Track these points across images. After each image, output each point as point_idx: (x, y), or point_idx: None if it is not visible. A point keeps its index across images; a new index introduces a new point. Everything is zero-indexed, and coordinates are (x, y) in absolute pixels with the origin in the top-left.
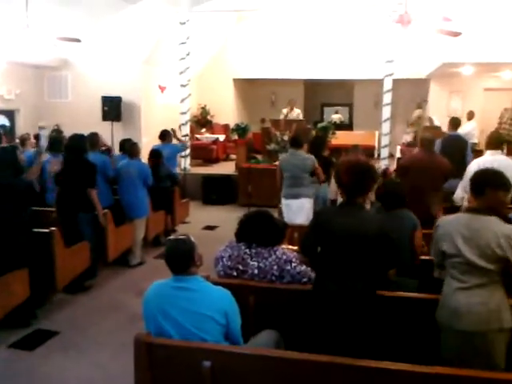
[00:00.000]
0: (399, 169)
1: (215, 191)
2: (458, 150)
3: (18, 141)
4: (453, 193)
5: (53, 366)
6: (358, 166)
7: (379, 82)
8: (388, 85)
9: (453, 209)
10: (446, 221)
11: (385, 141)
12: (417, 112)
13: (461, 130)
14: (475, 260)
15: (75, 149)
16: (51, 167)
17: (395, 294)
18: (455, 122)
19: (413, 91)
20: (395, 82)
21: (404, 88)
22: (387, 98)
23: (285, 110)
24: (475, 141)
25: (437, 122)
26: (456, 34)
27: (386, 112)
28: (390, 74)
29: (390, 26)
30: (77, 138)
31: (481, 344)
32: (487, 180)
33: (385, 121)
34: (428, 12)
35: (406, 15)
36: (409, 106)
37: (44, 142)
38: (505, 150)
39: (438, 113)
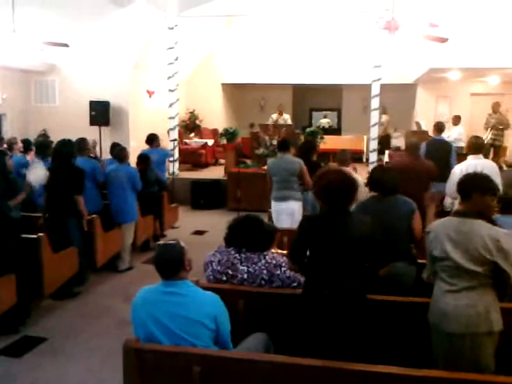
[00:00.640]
0: None
1: (204, 196)
2: (442, 153)
3: (5, 146)
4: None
5: (41, 373)
6: (340, 186)
7: (367, 87)
8: (376, 90)
9: (443, 213)
10: (435, 225)
11: (373, 145)
12: (383, 117)
13: (447, 135)
14: (464, 263)
15: (63, 154)
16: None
17: (388, 298)
18: (439, 127)
19: (400, 96)
20: (383, 86)
21: (391, 93)
22: (375, 102)
23: (274, 116)
24: (462, 145)
25: (424, 127)
26: (443, 40)
27: (374, 117)
28: (378, 79)
29: (378, 31)
30: (64, 144)
31: (469, 346)
32: (474, 185)
33: (373, 125)
34: (415, 18)
35: (393, 21)
36: (397, 110)
37: (38, 171)
38: (491, 155)
39: (426, 117)
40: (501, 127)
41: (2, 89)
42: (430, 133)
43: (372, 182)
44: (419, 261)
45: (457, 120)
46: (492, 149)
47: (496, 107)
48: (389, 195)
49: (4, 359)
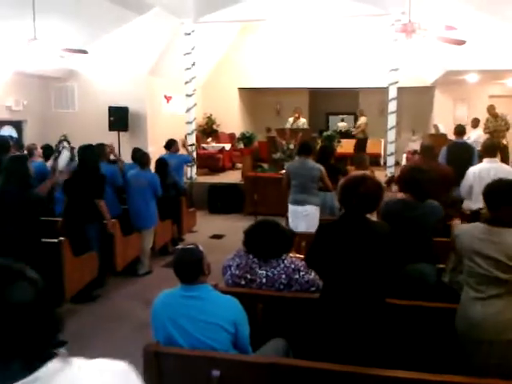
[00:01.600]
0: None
1: (221, 200)
2: (464, 156)
3: (25, 151)
4: (461, 201)
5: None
6: (370, 192)
7: (384, 90)
8: (393, 93)
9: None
10: (463, 230)
11: (390, 149)
12: (363, 119)
13: (467, 138)
14: (492, 271)
15: (84, 159)
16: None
17: (408, 303)
18: (460, 129)
19: (418, 99)
20: (400, 90)
21: (409, 96)
22: (392, 106)
23: (291, 119)
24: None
25: (442, 130)
26: (460, 43)
27: (392, 120)
28: (395, 82)
29: (394, 34)
30: (86, 149)
31: (498, 353)
32: (502, 198)
33: (390, 129)
34: (431, 21)
35: (410, 25)
36: (414, 113)
37: (64, 157)
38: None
39: (444, 120)
40: (503, 129)
41: (22, 95)
42: (449, 136)
43: (405, 181)
44: (439, 265)
45: (476, 123)
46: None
47: (491, 110)
48: (421, 198)
49: None
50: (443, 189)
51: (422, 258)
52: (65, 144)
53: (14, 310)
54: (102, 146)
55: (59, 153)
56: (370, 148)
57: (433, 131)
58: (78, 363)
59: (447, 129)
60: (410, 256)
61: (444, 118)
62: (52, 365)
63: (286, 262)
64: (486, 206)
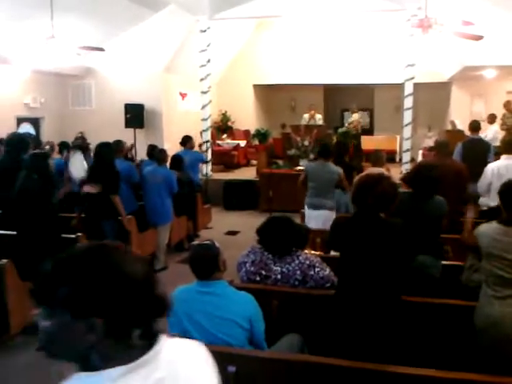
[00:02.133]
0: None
1: (236, 196)
2: (480, 152)
3: (48, 147)
4: (478, 196)
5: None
6: (386, 193)
7: (400, 86)
8: (409, 89)
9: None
10: (481, 231)
11: (406, 145)
12: (355, 116)
13: (484, 134)
14: (509, 271)
15: (102, 156)
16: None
17: (425, 300)
18: (475, 125)
19: (434, 95)
20: (416, 85)
21: (425, 92)
22: (408, 102)
23: (306, 116)
24: (498, 144)
25: (459, 126)
26: (477, 38)
27: (408, 116)
28: (411, 78)
29: (410, 30)
30: (103, 146)
31: None
32: None
33: (406, 125)
34: (448, 16)
35: (426, 20)
36: (430, 109)
37: (77, 163)
38: None
39: (460, 116)
40: None
41: (40, 93)
42: (466, 132)
43: (413, 178)
44: (456, 263)
45: (492, 119)
46: None
47: (508, 106)
48: (429, 193)
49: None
50: (457, 186)
51: (426, 251)
52: (77, 150)
53: (136, 284)
54: (119, 142)
55: (68, 150)
56: (385, 145)
57: (449, 127)
58: (170, 340)
59: (464, 125)
60: (415, 249)
61: (461, 114)
62: (161, 341)
63: (300, 258)
64: (502, 206)
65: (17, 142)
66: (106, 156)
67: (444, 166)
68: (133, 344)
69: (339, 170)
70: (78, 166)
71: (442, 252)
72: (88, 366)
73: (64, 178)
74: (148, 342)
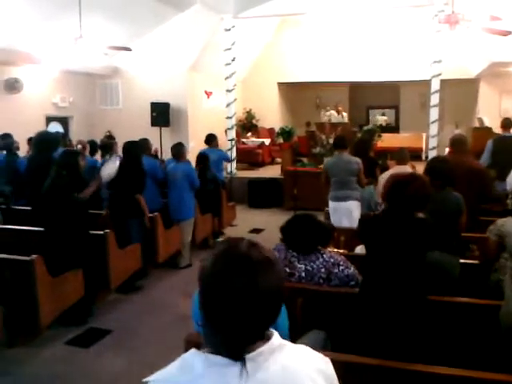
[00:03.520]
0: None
1: (261, 194)
2: (510, 151)
3: (79, 146)
4: (506, 196)
5: (105, 365)
6: (419, 193)
7: (426, 83)
8: (436, 85)
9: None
10: (507, 229)
11: (432, 143)
12: (332, 113)
13: None
14: None
15: (130, 154)
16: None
17: (451, 299)
18: (507, 123)
19: (461, 92)
20: (443, 82)
21: (452, 88)
22: (435, 99)
23: (333, 112)
24: None
25: (487, 123)
26: (506, 33)
27: (434, 113)
28: (438, 75)
29: (437, 26)
30: (131, 144)
31: None
32: None
33: (432, 122)
34: (476, 11)
35: (454, 15)
36: (457, 106)
37: (110, 167)
38: None
39: (488, 113)
40: None
41: (68, 92)
42: (494, 129)
43: (434, 171)
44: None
45: None
46: None
47: None
48: (446, 186)
49: (73, 349)
50: (474, 184)
51: (442, 248)
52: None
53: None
54: (145, 140)
55: (106, 150)
56: (411, 142)
57: (477, 124)
58: (287, 344)
59: (492, 122)
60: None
61: (489, 111)
62: (274, 341)
63: (325, 256)
64: None
65: (47, 140)
66: (134, 154)
67: (458, 164)
68: (245, 341)
69: (357, 159)
70: (110, 172)
71: (463, 250)
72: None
73: (95, 177)
74: (260, 341)
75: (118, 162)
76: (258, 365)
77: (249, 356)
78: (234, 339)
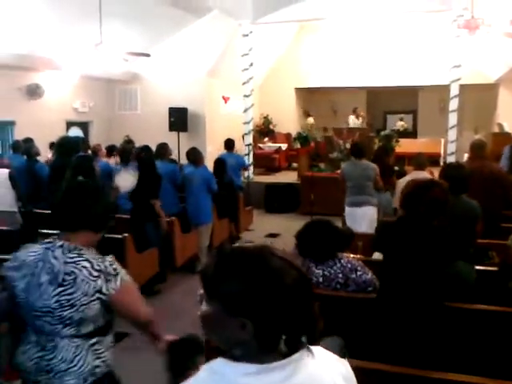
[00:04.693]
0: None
1: (278, 199)
2: None
3: (89, 151)
4: None
5: (122, 367)
6: (438, 200)
7: (444, 88)
8: (455, 90)
9: None
10: None
11: (451, 148)
12: (309, 120)
13: None
14: None
15: (143, 160)
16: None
17: (470, 307)
18: None
19: (480, 97)
20: (462, 87)
21: (471, 93)
22: (454, 103)
23: (353, 117)
24: None
25: (507, 129)
26: None
27: (453, 118)
28: (457, 80)
29: (456, 31)
30: (143, 150)
31: None
32: None
33: (451, 128)
34: (495, 16)
35: (473, 20)
36: (476, 111)
37: (126, 176)
38: None
39: (508, 119)
40: None
41: (88, 97)
42: None
43: (449, 178)
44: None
45: None
46: None
47: None
48: (461, 193)
49: None
50: (494, 190)
51: (460, 255)
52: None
53: (289, 294)
54: (164, 145)
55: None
56: (429, 148)
57: (496, 130)
58: (314, 350)
59: None
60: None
61: (509, 117)
62: (303, 351)
63: (342, 261)
64: None
65: (67, 144)
66: (147, 159)
67: (478, 169)
68: (275, 349)
69: (374, 165)
70: (128, 179)
71: (481, 257)
72: (228, 354)
73: (112, 186)
74: (290, 349)
75: (132, 172)
76: (292, 371)
77: (284, 361)
78: (274, 337)
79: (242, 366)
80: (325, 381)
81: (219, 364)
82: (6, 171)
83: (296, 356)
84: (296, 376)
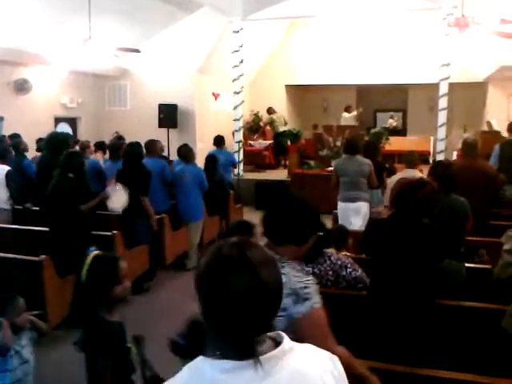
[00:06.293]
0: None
1: (268, 196)
2: None
3: (77, 147)
4: None
5: None
6: (427, 198)
7: (434, 86)
8: (444, 89)
9: None
10: None
11: (440, 146)
12: (273, 117)
13: None
14: None
15: (132, 156)
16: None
17: (459, 304)
18: None
19: (469, 95)
20: (451, 85)
21: (460, 92)
22: (443, 102)
23: (345, 114)
24: None
25: (496, 127)
26: None
27: (442, 117)
28: (446, 78)
29: (445, 29)
30: (133, 146)
31: None
32: None
33: (440, 126)
34: (485, 14)
35: (463, 19)
36: (466, 110)
37: (119, 198)
38: None
39: (497, 117)
40: None
41: (77, 93)
42: (502, 133)
43: (437, 177)
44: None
45: None
46: None
47: None
48: (450, 191)
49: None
50: (484, 188)
51: (450, 253)
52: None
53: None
54: (152, 141)
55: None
56: (418, 146)
57: (486, 128)
58: (297, 346)
59: (501, 126)
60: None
61: (498, 115)
62: (285, 344)
63: (332, 258)
64: None
65: (56, 140)
66: (134, 156)
67: (468, 167)
68: (251, 348)
69: (369, 161)
70: (121, 199)
71: (471, 255)
72: (209, 352)
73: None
74: (266, 348)
75: (123, 192)
76: (271, 368)
77: (261, 358)
78: (244, 337)
79: (220, 363)
80: (311, 377)
81: (199, 362)
82: (5, 168)
83: (274, 352)
84: (276, 372)
